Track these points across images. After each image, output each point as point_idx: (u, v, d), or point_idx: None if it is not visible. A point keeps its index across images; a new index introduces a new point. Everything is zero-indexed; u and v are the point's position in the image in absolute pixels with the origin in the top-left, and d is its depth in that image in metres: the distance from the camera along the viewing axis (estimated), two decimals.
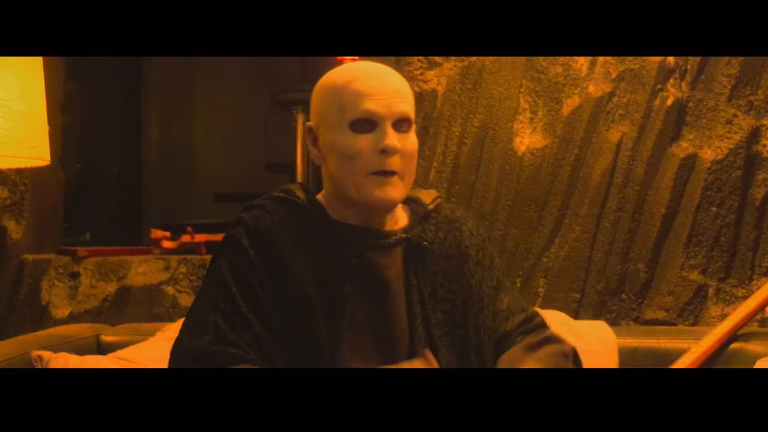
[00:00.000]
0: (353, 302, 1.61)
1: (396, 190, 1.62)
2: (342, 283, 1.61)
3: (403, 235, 1.67)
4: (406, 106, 1.63)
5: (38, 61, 2.41)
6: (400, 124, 1.62)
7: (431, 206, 1.74)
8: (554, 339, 1.73)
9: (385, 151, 1.59)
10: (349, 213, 1.66)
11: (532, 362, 1.65)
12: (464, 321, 1.68)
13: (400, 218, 1.71)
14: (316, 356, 1.58)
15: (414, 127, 1.65)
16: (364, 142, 1.60)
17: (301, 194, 1.69)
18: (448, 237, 1.72)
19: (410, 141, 1.63)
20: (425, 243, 1.68)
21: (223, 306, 1.59)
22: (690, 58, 2.57)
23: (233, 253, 1.63)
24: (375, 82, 1.62)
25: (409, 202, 1.74)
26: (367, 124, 1.60)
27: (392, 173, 1.61)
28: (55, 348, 2.18)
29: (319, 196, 1.71)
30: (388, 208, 1.65)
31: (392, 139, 1.59)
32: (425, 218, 1.72)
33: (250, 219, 1.65)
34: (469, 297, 1.70)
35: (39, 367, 2.11)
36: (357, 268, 1.62)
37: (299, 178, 3.57)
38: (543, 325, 1.77)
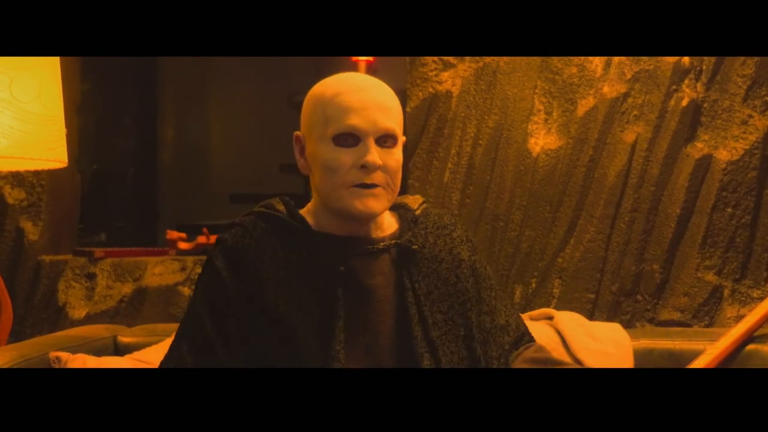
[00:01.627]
0: (343, 310, 1.61)
1: (377, 201, 1.62)
2: (332, 290, 1.62)
3: (392, 242, 1.68)
4: (391, 122, 1.62)
5: (55, 62, 2.43)
6: (384, 139, 1.62)
7: (418, 212, 1.75)
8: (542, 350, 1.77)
9: (366, 167, 1.59)
10: (334, 223, 1.66)
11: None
12: (465, 321, 1.69)
13: (388, 225, 1.72)
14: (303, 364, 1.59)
15: (400, 143, 1.65)
16: (345, 156, 1.60)
17: (281, 207, 1.69)
18: (438, 242, 1.73)
19: (394, 157, 1.63)
20: (415, 247, 1.68)
21: (191, 333, 1.63)
22: (705, 58, 2.57)
23: (209, 277, 1.66)
24: (362, 96, 1.61)
25: (397, 208, 1.76)
26: (350, 138, 1.60)
27: (374, 185, 1.61)
28: (73, 349, 2.19)
29: (305, 209, 1.72)
30: (369, 219, 1.66)
31: (374, 155, 1.59)
32: (414, 223, 1.73)
33: (229, 237, 1.66)
34: (467, 299, 1.70)
35: (57, 367, 2.12)
36: (343, 276, 1.63)
37: None
38: (530, 340, 1.81)
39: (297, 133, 1.70)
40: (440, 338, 1.65)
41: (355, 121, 1.60)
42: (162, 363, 1.67)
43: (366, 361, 1.61)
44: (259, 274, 1.62)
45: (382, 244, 1.68)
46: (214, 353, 1.59)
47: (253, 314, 1.61)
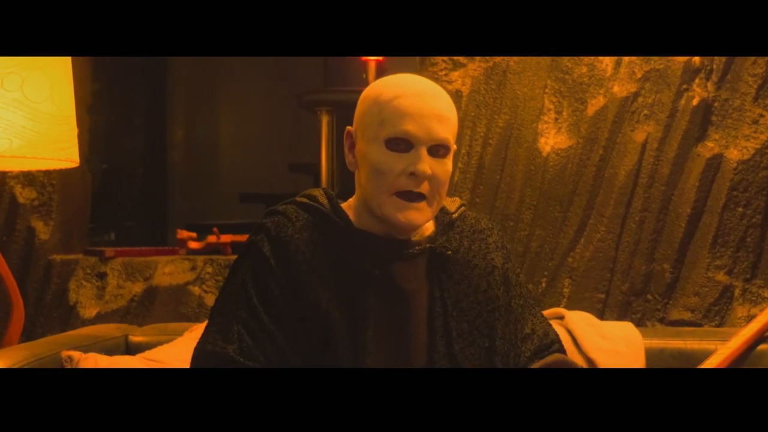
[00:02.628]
0: (375, 314, 1.60)
1: (419, 214, 1.61)
2: (364, 294, 1.61)
3: (427, 246, 1.67)
4: (446, 132, 1.61)
5: (67, 62, 2.43)
6: (437, 149, 1.60)
7: (455, 215, 1.74)
8: (562, 361, 1.72)
9: (414, 175, 1.58)
10: (374, 222, 1.65)
11: None
12: (490, 332, 1.67)
13: (426, 227, 1.70)
14: (337, 366, 1.58)
15: (452, 152, 1.64)
16: (396, 161, 1.59)
17: (324, 201, 1.68)
18: (473, 247, 1.72)
19: (444, 167, 1.61)
20: (449, 252, 1.67)
21: (245, 316, 1.59)
22: (716, 57, 2.56)
23: (255, 261, 1.63)
24: (420, 102, 1.59)
25: None
26: (402, 143, 1.59)
27: (419, 197, 1.60)
28: (85, 348, 2.20)
29: (346, 203, 1.71)
30: (409, 231, 1.65)
31: (424, 164, 1.58)
32: (450, 227, 1.72)
33: (272, 226, 1.64)
34: (495, 307, 1.69)
35: (69, 366, 2.13)
36: (379, 280, 1.62)
37: (323, 178, 3.59)
38: (558, 350, 1.77)
39: (349, 128, 1.68)
40: (463, 351, 1.64)
41: (410, 127, 1.58)
42: (218, 348, 1.58)
43: (395, 366, 1.60)
44: (301, 267, 1.61)
45: (418, 247, 1.66)
46: (273, 343, 1.57)
47: (298, 305, 1.60)
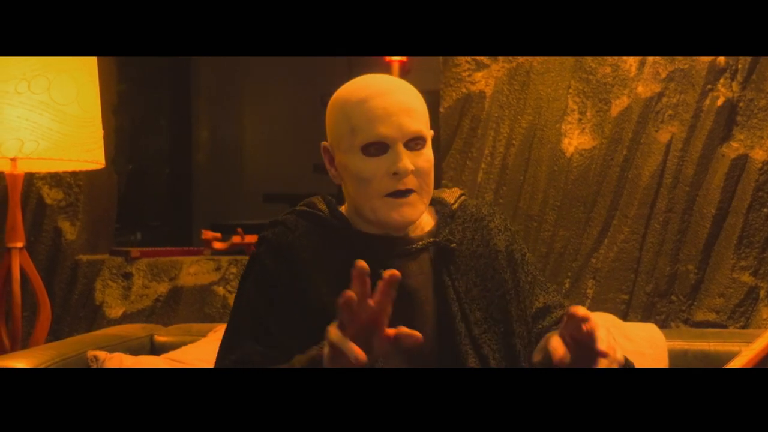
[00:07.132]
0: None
1: (413, 209, 1.61)
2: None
3: (431, 240, 1.67)
4: (418, 124, 1.61)
5: (93, 64, 2.46)
6: (413, 142, 1.61)
7: (455, 206, 1.73)
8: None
9: (398, 174, 1.59)
10: (370, 225, 1.66)
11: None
12: (505, 316, 1.67)
13: (426, 223, 1.71)
14: None
15: (429, 140, 1.64)
16: (376, 165, 1.59)
17: (323, 206, 1.70)
18: (476, 236, 1.71)
19: (424, 158, 1.62)
20: (453, 245, 1.68)
21: (255, 331, 1.60)
22: (740, 57, 2.55)
23: (258, 276, 1.65)
24: (386, 101, 1.59)
25: (434, 203, 1.74)
26: (378, 147, 1.59)
27: (408, 192, 1.60)
28: (111, 348, 2.22)
29: (343, 208, 1.71)
30: (406, 227, 1.65)
31: (405, 161, 1.58)
32: (451, 219, 1.71)
33: (272, 237, 1.67)
34: (505, 291, 1.68)
35: (95, 366, 2.15)
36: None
37: None
38: None
39: (324, 143, 1.69)
40: (482, 336, 1.64)
41: (381, 129, 1.58)
42: (224, 362, 1.61)
43: (407, 365, 1.60)
44: (307, 270, 1.62)
45: (420, 243, 1.66)
46: (284, 351, 1.57)
47: (308, 309, 1.60)
